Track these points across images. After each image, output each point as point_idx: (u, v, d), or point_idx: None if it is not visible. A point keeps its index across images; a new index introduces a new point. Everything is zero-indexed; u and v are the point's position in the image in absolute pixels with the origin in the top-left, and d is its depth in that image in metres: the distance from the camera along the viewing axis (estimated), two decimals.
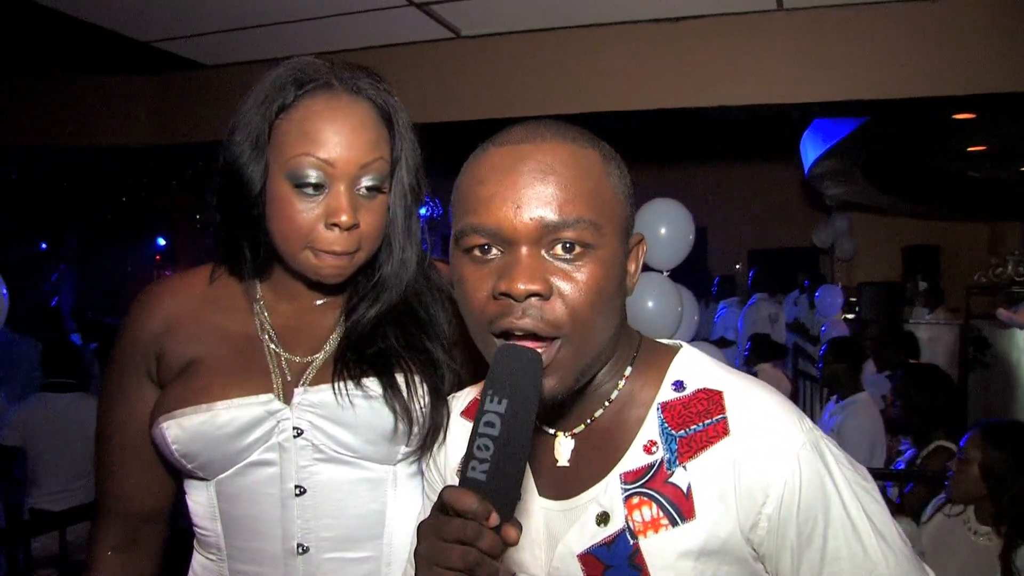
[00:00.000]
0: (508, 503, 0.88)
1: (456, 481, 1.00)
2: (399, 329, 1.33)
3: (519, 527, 0.89)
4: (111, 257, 11.53)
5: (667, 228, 3.72)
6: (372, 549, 1.31)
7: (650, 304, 3.59)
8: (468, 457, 0.89)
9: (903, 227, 9.88)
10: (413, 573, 1.17)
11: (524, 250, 0.98)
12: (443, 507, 0.89)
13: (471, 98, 4.41)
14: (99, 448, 1.37)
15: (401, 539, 1.32)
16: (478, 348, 1.05)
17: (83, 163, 7.03)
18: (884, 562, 1.00)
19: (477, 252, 1.01)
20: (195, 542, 1.37)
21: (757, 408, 1.03)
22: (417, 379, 1.29)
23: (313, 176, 1.19)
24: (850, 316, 8.56)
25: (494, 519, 0.86)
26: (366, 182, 1.23)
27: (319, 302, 1.36)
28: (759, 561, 1.02)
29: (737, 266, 10.60)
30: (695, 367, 1.09)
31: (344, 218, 1.20)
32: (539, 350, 0.96)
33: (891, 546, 1.02)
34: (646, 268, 2.92)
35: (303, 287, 1.33)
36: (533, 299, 0.97)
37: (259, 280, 1.35)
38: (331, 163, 1.19)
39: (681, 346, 1.14)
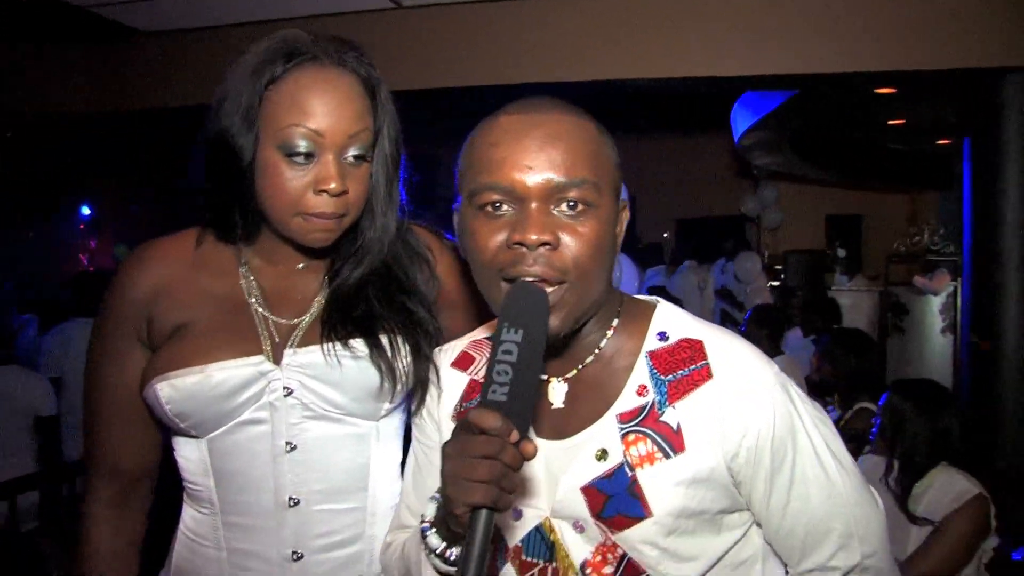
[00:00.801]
0: (524, 422, 0.97)
1: (449, 427, 1.17)
2: (381, 291, 1.39)
3: (534, 444, 0.98)
4: (34, 229, 11.17)
5: None
6: (358, 500, 1.38)
7: None
8: (488, 382, 0.97)
9: (828, 197, 10.15)
10: (401, 518, 1.32)
11: (535, 206, 1.08)
12: (468, 427, 0.97)
13: (412, 68, 4.43)
14: (89, 409, 1.40)
15: (383, 490, 1.40)
16: (482, 294, 1.16)
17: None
18: (841, 482, 1.16)
19: (490, 208, 1.11)
20: (185, 497, 1.42)
21: (734, 355, 1.16)
22: (399, 339, 1.36)
23: (303, 146, 1.23)
24: (775, 283, 8.80)
25: (515, 435, 0.95)
26: (353, 151, 1.27)
27: (303, 266, 1.41)
28: (736, 487, 1.15)
29: (665, 234, 10.76)
30: (675, 320, 1.22)
31: (333, 185, 1.24)
32: (548, 291, 1.07)
33: (846, 469, 1.17)
34: None
35: (290, 251, 1.38)
36: (543, 248, 1.08)
37: (245, 245, 1.40)
38: (321, 133, 1.24)
39: (659, 302, 1.25)
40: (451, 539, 1.09)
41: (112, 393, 1.36)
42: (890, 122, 6.66)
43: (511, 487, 0.96)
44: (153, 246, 1.40)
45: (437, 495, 1.11)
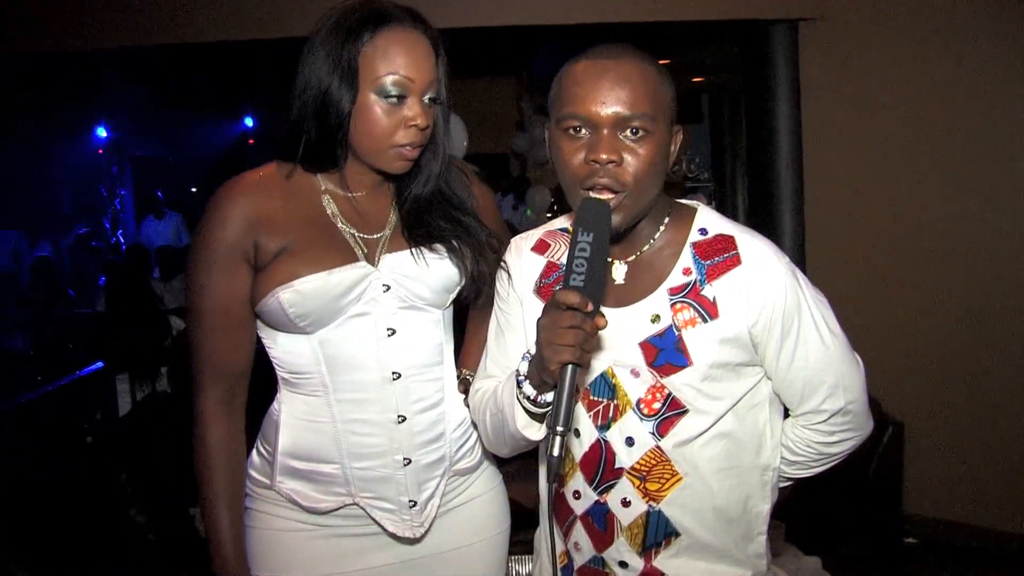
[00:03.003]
0: (597, 300, 1.28)
1: (535, 299, 1.59)
2: (440, 208, 1.71)
3: (605, 318, 1.30)
4: None
5: None
6: (437, 372, 1.72)
7: None
8: (569, 272, 1.30)
9: None
10: (488, 370, 1.68)
11: (606, 132, 1.40)
12: (556, 304, 1.28)
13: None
14: (198, 322, 1.62)
15: (449, 363, 1.76)
16: (565, 196, 1.49)
17: None
18: (833, 346, 1.53)
19: (572, 131, 1.43)
20: (288, 390, 1.68)
21: (757, 248, 1.51)
22: (460, 242, 1.69)
23: (397, 90, 1.54)
24: (549, 215, 9.28)
25: (591, 307, 1.26)
26: (429, 94, 1.59)
27: (374, 190, 1.69)
28: (754, 347, 1.49)
29: None
30: (712, 220, 1.56)
31: (421, 121, 1.56)
32: (610, 198, 1.40)
33: (836, 337, 1.54)
34: None
35: (367, 178, 1.67)
36: (610, 165, 1.40)
37: (324, 175, 1.66)
38: (411, 79, 1.55)
39: (699, 206, 1.59)
40: (541, 387, 1.39)
41: (224, 308, 1.60)
42: (660, 62, 7.16)
43: (590, 348, 1.29)
44: (245, 180, 1.64)
45: (528, 354, 1.42)
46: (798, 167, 4.42)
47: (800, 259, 4.38)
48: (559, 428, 1.26)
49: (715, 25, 4.61)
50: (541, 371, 1.34)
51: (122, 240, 12.05)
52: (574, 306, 1.26)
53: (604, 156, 1.39)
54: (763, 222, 4.54)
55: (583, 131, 1.42)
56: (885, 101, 4.25)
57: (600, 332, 1.41)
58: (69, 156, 11.69)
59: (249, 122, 12.31)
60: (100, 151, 12.08)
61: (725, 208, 9.35)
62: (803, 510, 3.23)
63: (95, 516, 3.14)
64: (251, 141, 12.17)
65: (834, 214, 4.38)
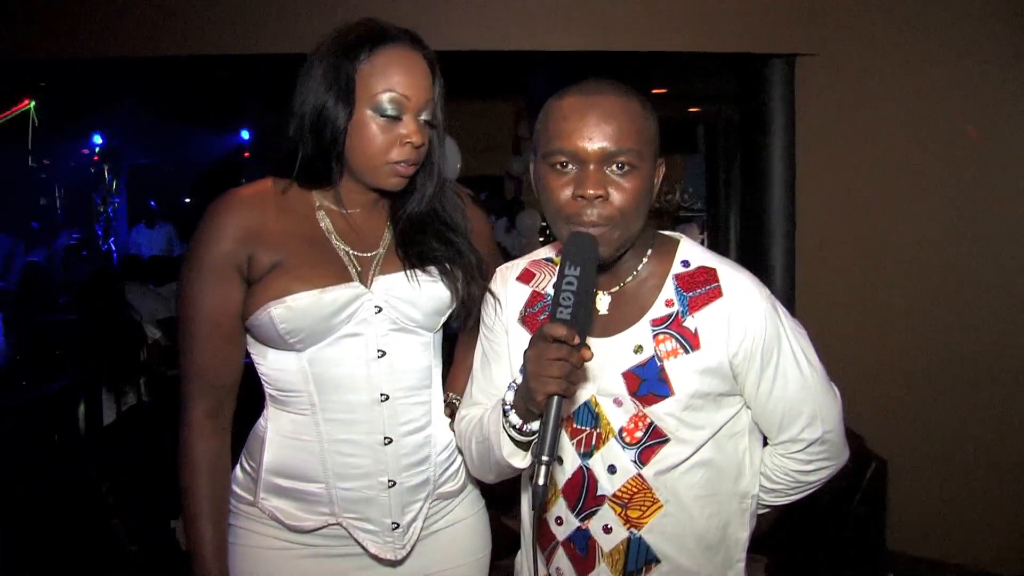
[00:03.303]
0: (583, 332, 1.31)
1: (520, 328, 1.62)
2: (434, 229, 1.72)
3: (591, 350, 1.32)
4: None
5: None
6: (425, 396, 1.72)
7: None
8: (556, 305, 1.33)
9: None
10: (474, 397, 1.68)
11: (592, 167, 1.44)
12: (543, 337, 1.31)
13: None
14: (188, 334, 1.61)
15: (437, 387, 1.76)
16: (552, 230, 1.52)
17: None
18: (811, 378, 1.56)
19: (559, 166, 1.46)
20: (275, 407, 1.67)
21: (738, 280, 1.53)
22: (453, 265, 1.70)
23: (393, 108, 1.57)
24: (542, 239, 9.30)
25: (577, 340, 1.29)
26: (425, 115, 1.61)
27: (369, 208, 1.70)
28: (735, 377, 1.52)
29: None
30: (694, 252, 1.59)
31: (416, 138, 1.58)
32: (596, 232, 1.43)
33: (815, 368, 1.58)
34: None
35: (362, 196, 1.68)
36: (597, 200, 1.43)
37: (319, 191, 1.67)
38: (408, 97, 1.57)
39: (682, 238, 1.62)
40: (527, 416, 1.41)
41: (215, 320, 1.60)
42: (654, 91, 7.23)
43: (576, 380, 1.32)
44: (241, 194, 1.65)
45: (514, 384, 1.44)
46: (791, 200, 4.42)
47: (790, 292, 4.39)
48: (544, 457, 1.28)
49: (713, 57, 4.64)
50: (527, 401, 1.36)
51: (113, 248, 12.04)
52: (561, 339, 1.29)
53: (591, 192, 1.42)
54: (754, 253, 4.55)
55: (569, 166, 1.46)
56: (881, 138, 4.26)
57: (581, 371, 1.44)
58: (64, 162, 11.72)
59: (245, 135, 12.33)
60: (95, 158, 12.10)
61: (718, 238, 9.39)
62: (785, 545, 3.24)
63: (76, 525, 3.12)
64: (246, 154, 12.20)
65: (825, 248, 4.38)
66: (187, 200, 12.49)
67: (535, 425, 1.41)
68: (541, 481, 1.27)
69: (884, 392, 4.17)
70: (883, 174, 4.28)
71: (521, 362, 1.38)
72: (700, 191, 9.72)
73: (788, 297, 4.36)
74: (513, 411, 1.43)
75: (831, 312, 4.31)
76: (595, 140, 1.43)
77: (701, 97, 7.86)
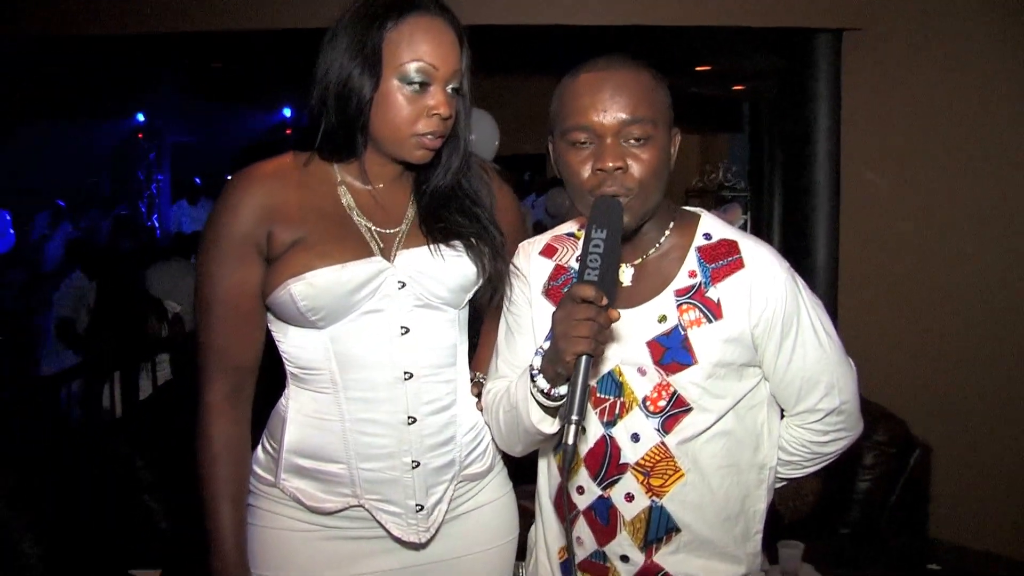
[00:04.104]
0: (610, 295, 1.33)
1: (543, 300, 1.63)
2: (458, 204, 1.68)
3: (618, 311, 1.35)
4: None
5: (475, 134, 3.98)
6: (450, 374, 1.68)
7: None
8: (583, 267, 1.34)
9: None
10: (499, 371, 1.70)
11: (609, 140, 1.47)
12: (572, 297, 1.33)
13: None
14: (207, 314, 1.58)
15: (463, 365, 1.73)
16: (575, 203, 1.54)
17: None
18: (828, 348, 1.59)
19: (577, 143, 1.49)
20: (296, 385, 1.64)
21: (759, 252, 1.56)
22: (479, 240, 1.66)
23: (420, 77, 1.52)
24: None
25: (605, 300, 1.31)
26: (453, 84, 1.56)
27: (392, 182, 1.66)
28: (755, 347, 1.55)
29: None
30: (715, 225, 1.62)
31: (444, 110, 1.54)
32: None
33: (833, 341, 1.61)
34: None
35: (385, 169, 1.64)
36: (617, 172, 1.46)
37: (341, 165, 1.63)
38: (436, 67, 1.53)
39: (702, 212, 1.65)
40: (555, 380, 1.42)
41: (234, 299, 1.57)
42: (698, 68, 7.11)
43: (604, 340, 1.34)
44: (260, 169, 1.61)
45: (541, 349, 1.45)
46: (836, 180, 4.33)
47: (833, 275, 4.31)
48: (574, 417, 1.29)
49: (757, 32, 4.54)
50: (555, 363, 1.38)
51: (157, 225, 12.19)
52: (589, 299, 1.31)
53: (610, 164, 1.45)
54: (798, 234, 4.47)
55: (587, 141, 1.48)
56: (931, 116, 4.16)
57: (608, 331, 1.47)
58: (109, 139, 11.89)
59: (287, 112, 12.38)
60: (139, 135, 12.24)
61: (760, 218, 9.25)
62: (824, 532, 3.18)
63: (109, 501, 3.15)
64: (288, 131, 12.25)
65: (870, 228, 4.29)
66: (229, 177, 12.61)
67: (563, 389, 1.42)
68: (571, 441, 1.29)
69: (929, 378, 4.09)
70: (932, 153, 4.17)
71: (545, 335, 1.40)
72: (744, 170, 9.57)
73: (831, 281, 4.29)
74: (541, 375, 1.44)
75: (876, 295, 4.23)
76: (610, 112, 1.46)
77: (746, 74, 7.71)
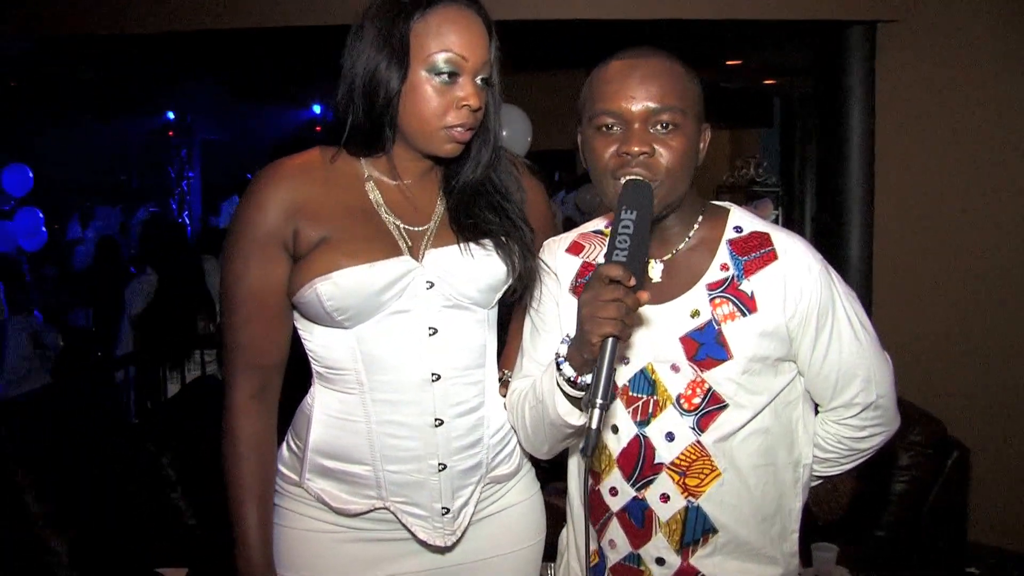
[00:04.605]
0: (639, 276, 1.30)
1: (571, 298, 1.59)
2: (488, 200, 1.65)
3: (647, 292, 1.33)
4: None
5: (507, 130, 3.97)
6: (479, 375, 1.65)
7: None
8: (611, 248, 1.32)
9: None
10: (524, 369, 1.66)
11: (637, 126, 1.45)
12: (599, 278, 1.30)
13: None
14: (232, 312, 1.56)
15: (491, 366, 1.69)
16: (598, 189, 1.53)
17: None
18: (864, 341, 1.56)
19: (604, 128, 1.48)
20: (322, 384, 1.62)
21: (792, 244, 1.54)
22: (509, 239, 1.62)
23: (449, 68, 1.49)
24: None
25: (633, 281, 1.28)
26: (482, 75, 1.53)
27: (420, 177, 1.63)
28: (790, 341, 1.52)
29: None
30: (745, 218, 1.59)
31: (474, 101, 1.51)
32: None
33: (868, 333, 1.58)
34: None
35: (414, 164, 1.61)
36: (642, 157, 1.43)
37: (369, 160, 1.60)
38: (465, 57, 1.49)
39: (731, 206, 1.63)
40: (581, 368, 1.39)
41: (259, 297, 1.55)
42: (728, 62, 7.05)
43: (631, 322, 1.31)
44: (287, 165, 1.58)
45: (567, 338, 1.43)
46: (869, 176, 4.26)
47: (867, 273, 4.24)
48: (599, 400, 1.27)
49: (789, 25, 4.48)
50: (582, 348, 1.35)
51: (187, 222, 12.29)
52: (617, 279, 1.28)
53: (636, 148, 1.43)
54: (830, 231, 4.41)
55: (615, 127, 1.47)
56: (967, 110, 4.07)
57: (639, 329, 1.50)
58: (140, 137, 12.00)
59: (317, 109, 12.41)
60: (170, 133, 12.34)
61: (792, 214, 9.17)
62: (860, 534, 3.12)
63: (135, 498, 3.16)
64: (318, 128, 12.29)
65: (905, 225, 4.21)
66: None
67: (589, 378, 1.38)
68: (595, 425, 1.27)
69: (966, 377, 4.01)
70: (968, 150, 4.09)
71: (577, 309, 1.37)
72: (775, 166, 9.48)
73: (865, 278, 4.22)
74: (567, 363, 1.42)
75: (910, 294, 4.15)
76: (639, 99, 1.44)
77: (777, 68, 7.64)
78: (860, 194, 4.26)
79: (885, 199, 4.25)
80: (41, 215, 9.14)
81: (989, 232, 4.05)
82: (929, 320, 4.07)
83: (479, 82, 1.53)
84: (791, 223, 8.66)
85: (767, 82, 8.43)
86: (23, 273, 7.05)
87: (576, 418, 1.47)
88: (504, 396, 1.71)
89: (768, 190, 8.88)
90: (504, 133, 1.69)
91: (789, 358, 1.55)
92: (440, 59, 1.48)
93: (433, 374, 1.58)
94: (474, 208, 1.63)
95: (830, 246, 4.29)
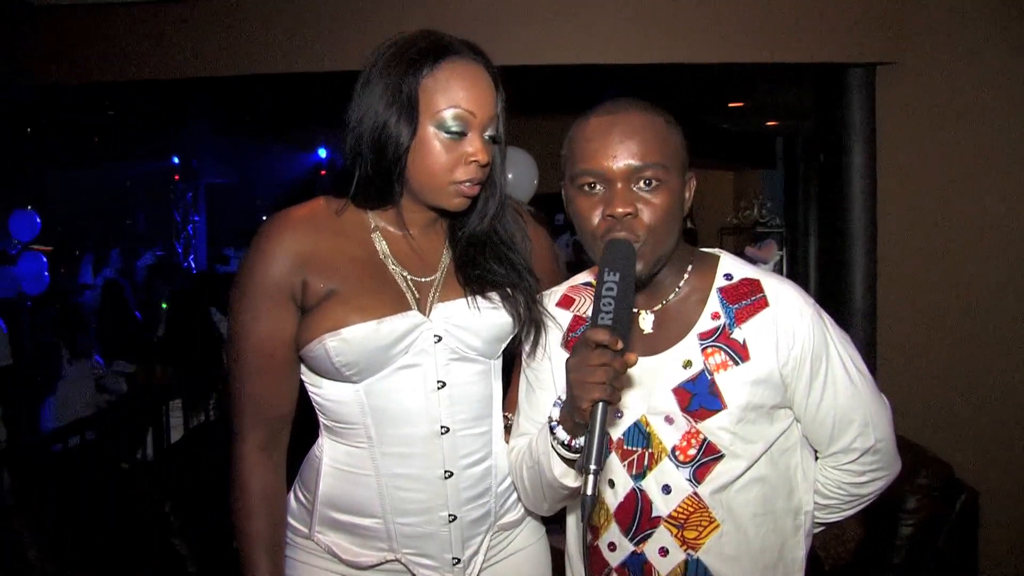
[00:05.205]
0: (625, 339, 1.28)
1: (563, 353, 1.57)
2: (492, 248, 1.65)
3: (635, 354, 1.30)
4: None
5: (513, 173, 4.00)
6: (486, 425, 1.65)
7: None
8: (596, 311, 1.30)
9: None
10: (521, 428, 1.64)
11: (619, 185, 1.43)
12: (586, 343, 1.29)
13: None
14: (240, 364, 1.54)
15: (498, 415, 1.69)
16: (585, 249, 1.50)
17: None
18: (860, 385, 1.54)
19: (587, 188, 1.45)
20: (330, 436, 1.61)
21: (783, 289, 1.52)
22: (515, 290, 1.62)
23: (458, 125, 1.49)
24: None
25: (619, 344, 1.27)
26: (490, 131, 1.54)
27: (426, 229, 1.63)
28: (785, 387, 1.50)
29: None
30: (735, 265, 1.58)
31: (482, 157, 1.51)
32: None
33: (864, 376, 1.55)
34: None
35: (421, 216, 1.60)
36: (627, 217, 1.41)
37: (375, 212, 1.60)
38: (473, 113, 1.50)
39: (722, 253, 1.61)
40: (574, 431, 1.39)
41: (268, 349, 1.54)
42: (731, 104, 7.09)
43: (620, 386, 1.29)
44: (293, 216, 1.57)
45: (559, 401, 1.42)
46: (872, 217, 4.25)
47: (871, 314, 4.22)
48: (592, 466, 1.25)
49: (790, 68, 4.51)
50: (573, 412, 1.34)
51: (193, 266, 12.32)
52: (603, 343, 1.27)
53: (620, 210, 1.41)
54: (834, 271, 4.39)
55: (597, 186, 1.45)
56: (967, 151, 4.08)
57: (632, 381, 1.49)
58: (145, 181, 12.08)
59: (323, 153, 12.51)
60: (176, 177, 12.42)
61: (796, 255, 9.16)
62: None
63: (137, 544, 3.13)
64: (323, 172, 12.37)
65: (909, 264, 4.20)
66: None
67: (583, 440, 1.35)
68: (589, 491, 1.25)
69: (974, 420, 3.97)
70: (970, 190, 4.09)
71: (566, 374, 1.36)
72: (779, 207, 9.49)
73: (870, 320, 4.20)
74: (560, 427, 1.42)
75: (915, 335, 4.12)
76: (620, 158, 1.42)
77: (779, 110, 7.68)
78: (863, 234, 4.25)
79: (888, 239, 4.25)
80: (45, 259, 9.18)
81: (993, 270, 4.05)
82: (933, 363, 4.04)
83: (487, 137, 1.53)
84: (796, 263, 8.64)
85: (769, 123, 8.46)
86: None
87: (572, 479, 1.46)
88: (508, 444, 1.70)
89: (772, 231, 8.90)
90: (510, 176, 1.69)
91: (784, 405, 1.53)
92: (449, 116, 1.48)
93: (442, 427, 1.57)
94: (480, 259, 1.63)
95: (834, 286, 4.29)
